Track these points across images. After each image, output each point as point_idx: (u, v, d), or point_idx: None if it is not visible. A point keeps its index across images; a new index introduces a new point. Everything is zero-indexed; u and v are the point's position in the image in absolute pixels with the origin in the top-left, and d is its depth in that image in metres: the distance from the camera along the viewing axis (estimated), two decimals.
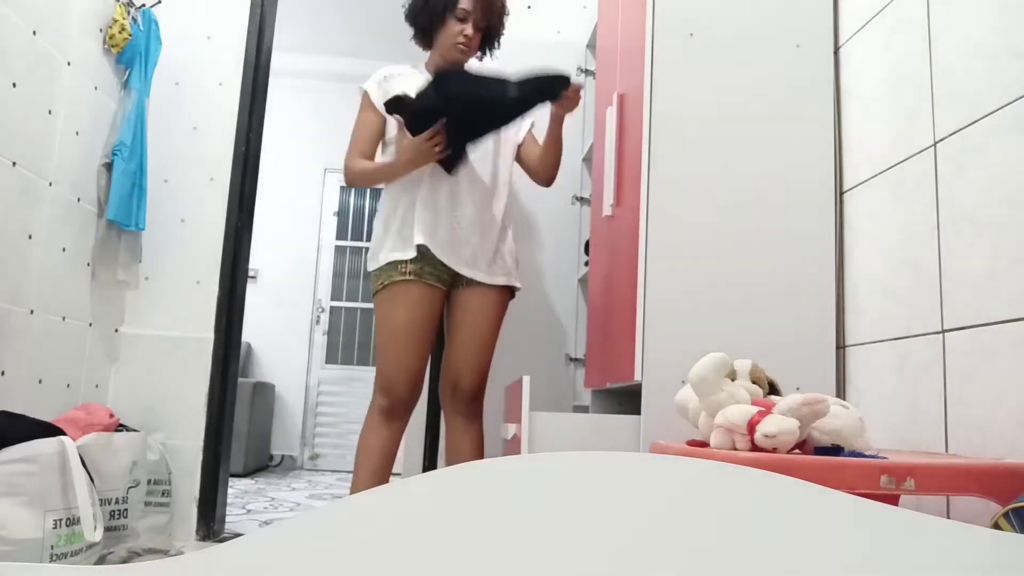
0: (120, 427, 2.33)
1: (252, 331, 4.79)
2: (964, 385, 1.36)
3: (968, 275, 1.37)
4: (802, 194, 1.83)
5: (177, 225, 2.73)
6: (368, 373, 5.16)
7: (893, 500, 1.27)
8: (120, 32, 2.51)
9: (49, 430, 1.89)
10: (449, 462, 2.23)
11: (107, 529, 2.08)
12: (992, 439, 1.28)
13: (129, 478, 2.23)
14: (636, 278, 1.80)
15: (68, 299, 2.35)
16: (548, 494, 0.65)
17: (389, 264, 2.07)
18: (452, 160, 2.07)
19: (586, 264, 2.60)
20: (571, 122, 2.85)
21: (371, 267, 2.13)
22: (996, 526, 0.97)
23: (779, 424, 1.13)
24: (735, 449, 1.19)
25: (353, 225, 5.68)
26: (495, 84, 2.01)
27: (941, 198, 1.46)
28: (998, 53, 1.33)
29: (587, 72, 2.87)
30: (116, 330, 2.66)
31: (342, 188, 5.69)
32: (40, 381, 2.21)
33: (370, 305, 3.90)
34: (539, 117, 2.33)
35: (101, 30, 2.49)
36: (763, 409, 1.18)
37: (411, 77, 2.20)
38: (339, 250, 5.65)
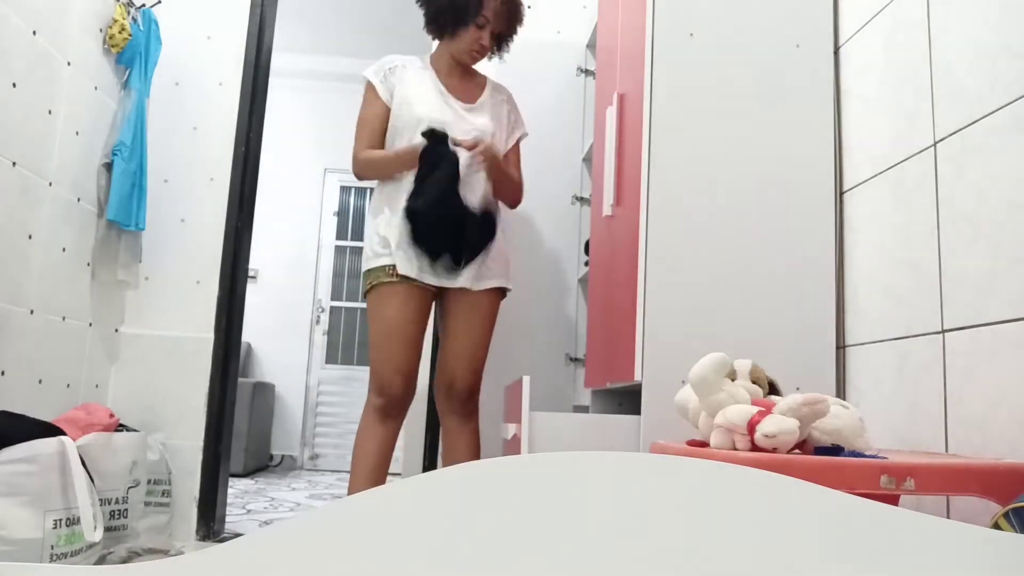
0: (120, 427, 2.33)
1: (252, 331, 4.79)
2: (964, 385, 1.36)
3: (968, 275, 1.37)
4: (802, 194, 1.83)
5: (177, 225, 2.73)
6: (368, 373, 5.16)
7: (893, 500, 1.27)
8: (120, 32, 2.51)
9: (49, 430, 1.89)
10: (446, 462, 2.23)
11: (107, 529, 2.08)
12: (992, 439, 1.28)
13: (129, 478, 2.23)
14: (636, 278, 1.80)
15: (68, 299, 2.35)
16: (548, 494, 0.65)
17: (377, 267, 2.09)
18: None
19: (586, 264, 2.60)
20: (571, 122, 2.87)
21: (363, 268, 2.15)
22: (996, 526, 0.97)
23: (779, 424, 1.13)
24: (735, 449, 1.19)
25: (353, 225, 5.68)
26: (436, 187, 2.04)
27: (941, 198, 1.46)
28: (998, 53, 1.33)
29: (587, 72, 2.87)
30: (116, 330, 2.66)
31: (342, 188, 5.69)
32: (40, 381, 2.21)
33: None
34: (531, 129, 2.35)
35: (101, 30, 2.49)
36: (763, 409, 1.18)
37: (415, 71, 2.20)
38: (339, 250, 5.65)
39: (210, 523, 2.64)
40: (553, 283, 2.78)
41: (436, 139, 2.03)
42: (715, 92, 1.85)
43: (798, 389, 1.56)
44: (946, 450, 1.40)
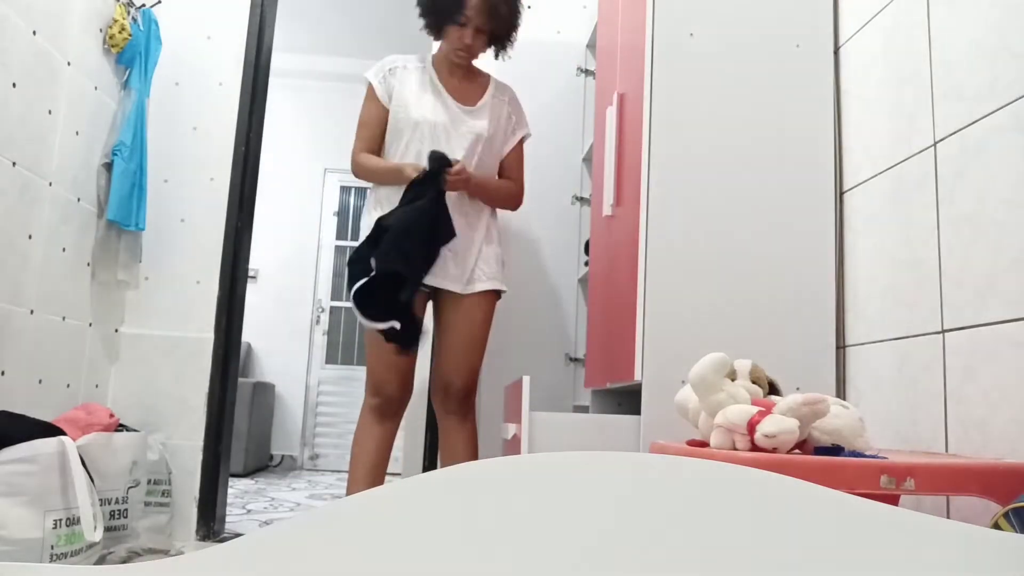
0: (120, 427, 2.33)
1: (252, 331, 4.79)
2: (964, 385, 1.36)
3: (968, 275, 1.37)
4: (802, 194, 1.83)
5: (177, 225, 2.73)
6: None
7: (893, 500, 1.27)
8: (120, 32, 2.51)
9: (49, 430, 1.89)
10: (444, 462, 2.24)
11: (107, 529, 2.08)
12: (992, 439, 1.28)
13: (129, 478, 2.23)
14: (636, 278, 1.80)
15: (68, 299, 2.35)
16: (548, 494, 0.65)
17: None
18: (406, 337, 1.98)
19: (586, 264, 2.60)
20: (571, 122, 2.87)
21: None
22: (996, 526, 0.97)
23: (779, 424, 1.13)
24: (735, 449, 1.19)
25: (353, 225, 5.68)
26: (412, 212, 1.99)
27: (941, 198, 1.46)
28: (998, 53, 1.33)
29: (587, 72, 2.87)
30: (116, 330, 2.66)
31: (342, 188, 5.69)
32: (40, 381, 2.21)
33: None
34: (531, 128, 2.34)
35: (101, 30, 2.49)
36: (763, 409, 1.18)
37: (416, 72, 2.20)
38: (339, 250, 5.65)
39: (210, 523, 2.64)
40: (553, 283, 2.78)
41: (431, 172, 2.01)
42: (715, 92, 1.85)
43: (798, 389, 1.56)
44: (946, 450, 1.40)
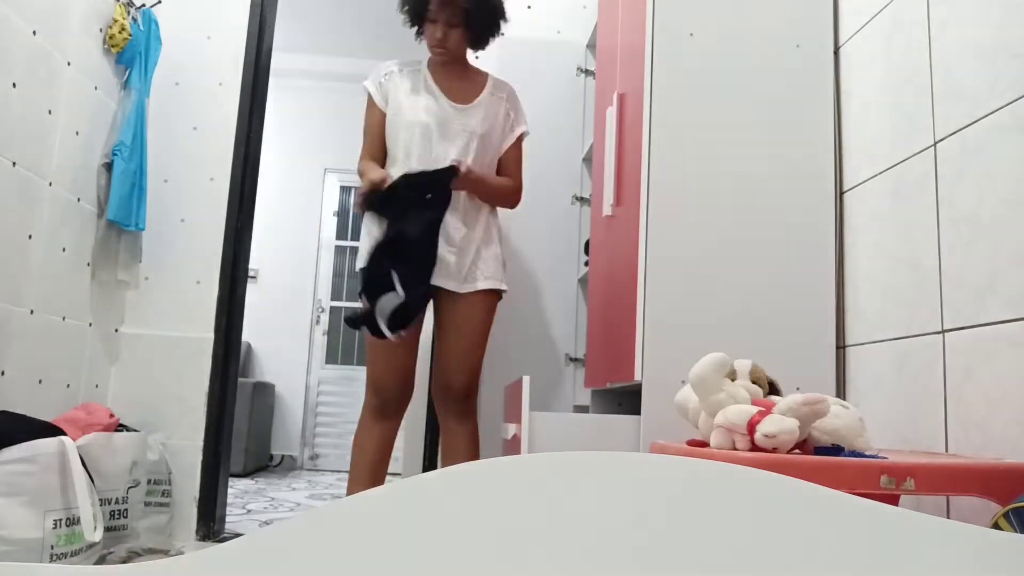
0: (120, 427, 2.33)
1: (252, 331, 4.79)
2: (964, 385, 1.36)
3: (968, 275, 1.37)
4: (802, 194, 1.83)
5: (177, 225, 2.73)
6: None
7: (893, 500, 1.27)
8: (120, 32, 2.51)
9: (49, 430, 1.89)
10: (445, 462, 2.24)
11: (107, 529, 2.08)
12: (992, 439, 1.28)
13: (129, 478, 2.23)
14: (636, 278, 1.80)
15: (68, 299, 2.35)
16: (548, 494, 0.65)
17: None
18: (399, 316, 1.98)
19: (586, 264, 2.60)
20: (571, 122, 2.87)
21: (357, 267, 2.16)
22: (996, 526, 0.97)
23: (779, 424, 1.13)
24: (735, 449, 1.19)
25: (353, 225, 5.68)
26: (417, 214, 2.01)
27: (941, 198, 1.46)
28: (998, 53, 1.33)
29: (587, 72, 2.87)
30: (116, 330, 2.66)
31: (342, 188, 5.69)
32: (40, 381, 2.21)
33: None
34: (531, 128, 2.33)
35: (101, 30, 2.49)
36: (763, 409, 1.18)
37: (411, 74, 2.20)
38: (339, 250, 5.65)
39: (210, 523, 2.64)
40: (553, 283, 2.78)
41: (406, 185, 2.03)
42: (715, 92, 1.85)
43: (798, 389, 1.56)
44: (946, 450, 1.40)
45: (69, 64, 2.30)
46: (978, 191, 1.36)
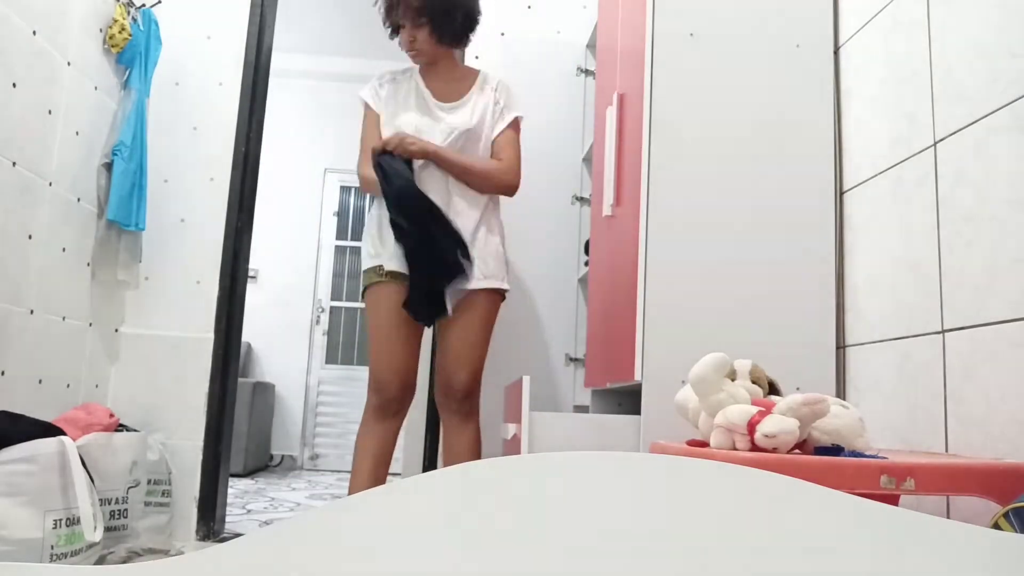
0: (120, 427, 2.33)
1: (252, 331, 4.79)
2: (964, 385, 1.36)
3: (968, 275, 1.37)
4: (802, 194, 1.83)
5: (177, 225, 2.73)
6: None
7: (893, 500, 1.27)
8: (120, 32, 2.51)
9: (49, 430, 1.89)
10: (446, 462, 2.23)
11: (107, 529, 2.08)
12: (992, 439, 1.28)
13: (129, 478, 2.23)
14: (636, 278, 1.80)
15: (68, 299, 2.35)
16: (548, 494, 0.65)
17: (370, 267, 2.12)
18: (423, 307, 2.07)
19: (586, 264, 2.60)
20: (571, 122, 2.87)
21: (362, 268, 2.17)
22: (996, 526, 0.97)
23: (779, 424, 1.13)
24: (735, 449, 1.19)
25: (353, 225, 5.68)
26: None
27: (941, 198, 1.46)
28: (998, 53, 1.33)
29: (587, 72, 2.87)
30: (116, 330, 2.66)
31: (342, 188, 5.69)
32: (40, 381, 2.21)
33: None
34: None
35: (101, 30, 2.49)
36: (763, 409, 1.18)
37: (403, 81, 2.22)
38: (339, 250, 5.65)
39: (210, 523, 2.64)
40: (553, 283, 2.78)
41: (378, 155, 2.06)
42: (715, 92, 1.85)
43: (798, 389, 1.56)
44: (946, 450, 1.40)
45: (69, 64, 2.30)
46: (978, 191, 1.36)
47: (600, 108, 2.41)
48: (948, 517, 1.37)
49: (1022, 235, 1.25)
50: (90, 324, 2.49)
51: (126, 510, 2.21)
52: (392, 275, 2.07)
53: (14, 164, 2.04)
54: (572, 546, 0.62)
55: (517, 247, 2.75)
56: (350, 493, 2.18)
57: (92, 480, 1.98)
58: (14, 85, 2.02)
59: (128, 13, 2.56)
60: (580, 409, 2.62)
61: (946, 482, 1.11)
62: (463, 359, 2.11)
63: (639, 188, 1.83)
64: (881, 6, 1.72)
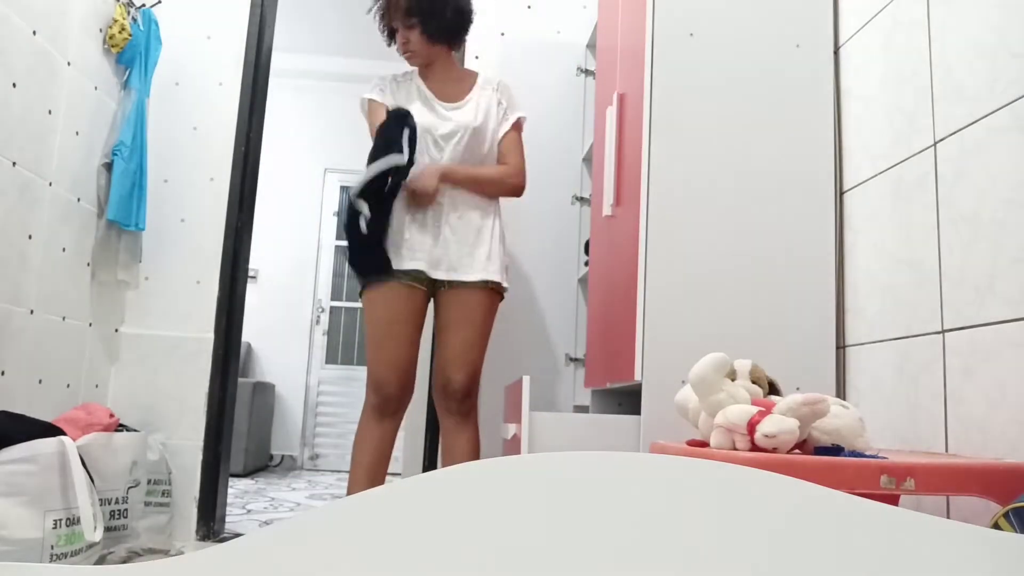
0: (120, 427, 2.33)
1: (252, 331, 4.79)
2: (964, 385, 1.36)
3: (968, 275, 1.37)
4: (802, 194, 1.83)
5: (177, 225, 2.73)
6: None
7: (893, 500, 1.27)
8: (120, 32, 2.51)
9: (49, 430, 1.89)
10: (445, 463, 2.23)
11: (107, 529, 2.08)
12: (992, 439, 1.28)
13: (129, 478, 2.23)
14: (636, 278, 1.80)
15: (68, 299, 2.35)
16: (548, 494, 0.65)
17: None
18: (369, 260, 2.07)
19: (586, 264, 2.60)
20: (571, 122, 2.87)
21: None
22: (996, 526, 0.97)
23: (779, 424, 1.13)
24: (735, 449, 1.19)
25: None
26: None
27: (941, 198, 1.46)
28: (998, 53, 1.33)
29: (587, 72, 2.87)
30: (116, 330, 2.66)
31: (342, 188, 5.69)
32: (40, 381, 2.21)
33: None
34: (532, 128, 2.31)
35: (101, 30, 2.49)
36: (763, 409, 1.18)
37: (405, 83, 2.23)
38: (339, 250, 5.65)
39: (210, 523, 2.64)
40: (553, 283, 2.78)
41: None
42: (715, 92, 1.85)
43: (798, 389, 1.56)
44: (946, 450, 1.40)
45: (69, 64, 2.30)
46: (978, 191, 1.36)
47: (600, 108, 2.41)
48: (948, 517, 1.37)
49: (1022, 235, 1.25)
50: (90, 324, 2.49)
51: (126, 510, 2.21)
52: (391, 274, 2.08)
53: (14, 164, 2.04)
54: (572, 546, 0.62)
55: (517, 247, 2.75)
56: (349, 493, 2.18)
57: (92, 480, 1.98)
58: (14, 85, 2.02)
59: (128, 13, 2.56)
60: (580, 409, 2.62)
61: (946, 482, 1.11)
62: (461, 359, 2.11)
63: (639, 188, 1.83)
64: (881, 6, 1.72)
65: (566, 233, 2.81)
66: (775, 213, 1.82)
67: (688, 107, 1.84)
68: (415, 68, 2.28)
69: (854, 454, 1.19)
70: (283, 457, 5.36)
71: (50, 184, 2.22)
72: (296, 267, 5.46)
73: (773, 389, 1.37)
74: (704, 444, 1.31)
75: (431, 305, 2.21)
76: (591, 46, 2.85)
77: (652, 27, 1.86)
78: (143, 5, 2.63)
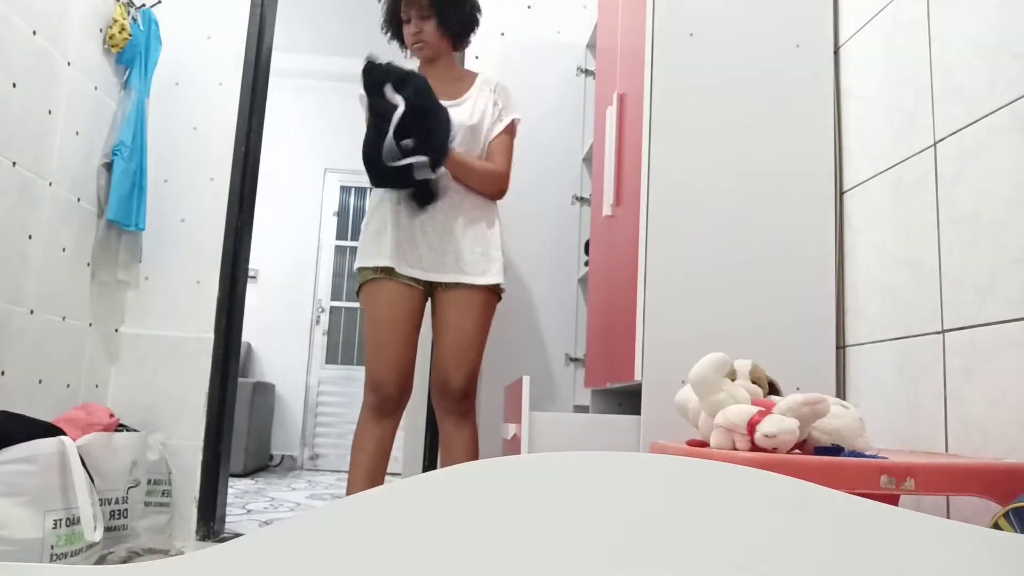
0: (120, 427, 2.33)
1: (252, 331, 4.79)
2: (964, 385, 1.36)
3: (968, 275, 1.37)
4: (802, 194, 1.83)
5: (177, 225, 2.73)
6: None
7: (893, 500, 1.27)
8: (120, 32, 2.51)
9: (49, 430, 1.89)
10: (444, 463, 2.23)
11: (107, 529, 2.08)
12: (992, 439, 1.28)
13: (129, 478, 2.23)
14: (636, 278, 1.80)
15: (68, 299, 2.35)
16: (548, 494, 0.65)
17: (365, 265, 2.13)
18: (421, 192, 2.05)
19: (586, 264, 2.60)
20: (571, 122, 2.87)
21: (355, 266, 2.18)
22: (996, 526, 0.97)
23: (779, 424, 1.13)
24: (735, 449, 1.19)
25: (353, 225, 5.68)
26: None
27: (941, 198, 1.46)
28: (998, 53, 1.33)
29: (587, 72, 2.87)
30: (116, 330, 2.66)
31: (342, 188, 5.69)
32: (40, 381, 2.21)
33: None
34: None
35: (101, 30, 2.49)
36: (763, 409, 1.18)
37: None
38: (339, 250, 5.65)
39: (210, 523, 2.64)
40: (553, 283, 2.78)
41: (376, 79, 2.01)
42: (715, 92, 1.85)
43: (798, 389, 1.56)
44: (946, 450, 1.40)
45: (69, 64, 2.30)
46: (978, 191, 1.36)
47: (600, 108, 2.41)
48: (948, 517, 1.37)
49: (1022, 235, 1.25)
50: (90, 324, 2.49)
51: (126, 510, 2.21)
52: (390, 272, 2.08)
53: (14, 164, 2.04)
54: (573, 546, 0.62)
55: (517, 247, 2.75)
56: (348, 493, 2.18)
57: (92, 480, 1.98)
58: (14, 85, 2.02)
59: (128, 13, 2.56)
60: (580, 409, 2.62)
61: (946, 482, 1.11)
62: (459, 359, 2.11)
63: (639, 188, 1.83)
64: (881, 6, 1.72)
65: (566, 233, 2.81)
66: (775, 213, 1.82)
67: (688, 107, 1.84)
68: (414, 66, 2.28)
69: (854, 454, 1.19)
70: (283, 457, 5.36)
71: (50, 184, 2.22)
72: (296, 267, 5.47)
73: (773, 389, 1.37)
74: (704, 444, 1.31)
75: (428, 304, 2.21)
76: (591, 46, 2.85)
77: (652, 27, 1.86)
78: (143, 5, 2.63)
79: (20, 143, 2.06)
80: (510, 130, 2.23)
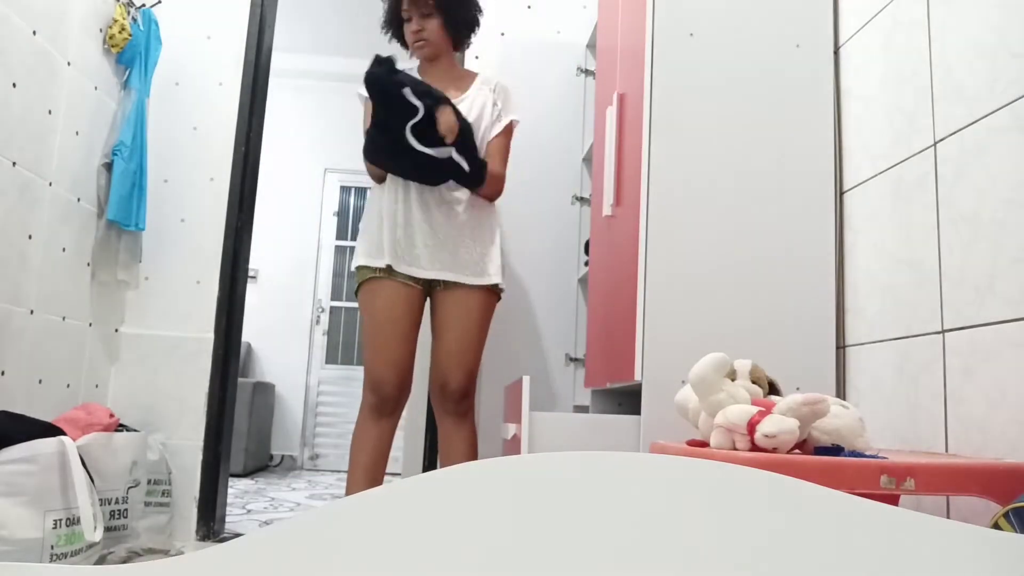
0: (120, 427, 2.33)
1: (252, 331, 4.79)
2: (964, 385, 1.36)
3: (968, 275, 1.37)
4: (802, 194, 1.83)
5: (177, 225, 2.73)
6: None
7: (893, 500, 1.27)
8: (120, 32, 2.51)
9: (49, 430, 1.89)
10: (443, 463, 2.23)
11: (107, 529, 2.08)
12: (992, 439, 1.28)
13: (129, 478, 2.23)
14: (636, 278, 1.80)
15: (68, 299, 2.35)
16: (548, 494, 0.65)
17: (363, 264, 2.13)
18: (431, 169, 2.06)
19: (586, 264, 2.60)
20: (571, 122, 2.87)
21: (352, 265, 2.18)
22: (996, 526, 0.97)
23: (779, 424, 1.13)
24: (735, 449, 1.19)
25: (353, 225, 5.68)
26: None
27: (941, 198, 1.46)
28: (998, 53, 1.33)
29: (587, 72, 2.87)
30: (116, 330, 2.66)
31: (342, 188, 5.69)
32: (40, 381, 2.21)
33: None
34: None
35: (101, 30, 2.49)
36: (763, 409, 1.18)
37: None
38: (339, 250, 5.65)
39: (210, 523, 2.64)
40: (553, 283, 2.78)
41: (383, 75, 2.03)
42: (715, 92, 1.85)
43: (798, 389, 1.56)
44: (946, 450, 1.40)
45: (69, 64, 2.30)
46: (978, 191, 1.36)
47: (600, 108, 2.41)
48: (948, 517, 1.37)
49: (1022, 235, 1.25)
50: (90, 324, 2.49)
51: (126, 510, 2.21)
52: (388, 271, 2.08)
53: (14, 164, 2.04)
54: (573, 546, 0.62)
55: (517, 247, 2.75)
56: (347, 494, 2.18)
57: (92, 480, 1.98)
58: (14, 85, 2.02)
59: (128, 13, 2.56)
60: (580, 409, 2.62)
61: (946, 482, 1.11)
62: (458, 359, 2.11)
63: (639, 188, 1.83)
64: (881, 6, 1.72)
65: (566, 233, 2.81)
66: (775, 213, 1.82)
67: (688, 107, 1.84)
68: (415, 64, 2.27)
69: (854, 454, 1.19)
70: (283, 457, 5.36)
71: (50, 184, 2.22)
72: (296, 267, 5.46)
73: (773, 389, 1.37)
74: (704, 444, 1.31)
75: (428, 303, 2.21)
76: (591, 46, 2.85)
77: (652, 27, 1.86)
78: (143, 5, 2.63)
79: (20, 143, 2.06)
80: (508, 132, 2.23)
